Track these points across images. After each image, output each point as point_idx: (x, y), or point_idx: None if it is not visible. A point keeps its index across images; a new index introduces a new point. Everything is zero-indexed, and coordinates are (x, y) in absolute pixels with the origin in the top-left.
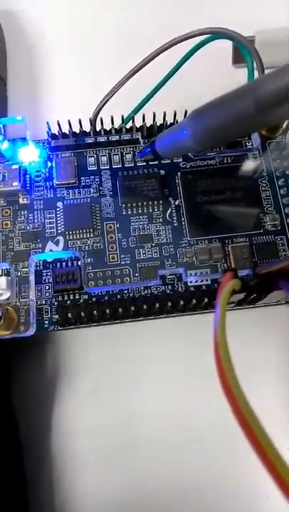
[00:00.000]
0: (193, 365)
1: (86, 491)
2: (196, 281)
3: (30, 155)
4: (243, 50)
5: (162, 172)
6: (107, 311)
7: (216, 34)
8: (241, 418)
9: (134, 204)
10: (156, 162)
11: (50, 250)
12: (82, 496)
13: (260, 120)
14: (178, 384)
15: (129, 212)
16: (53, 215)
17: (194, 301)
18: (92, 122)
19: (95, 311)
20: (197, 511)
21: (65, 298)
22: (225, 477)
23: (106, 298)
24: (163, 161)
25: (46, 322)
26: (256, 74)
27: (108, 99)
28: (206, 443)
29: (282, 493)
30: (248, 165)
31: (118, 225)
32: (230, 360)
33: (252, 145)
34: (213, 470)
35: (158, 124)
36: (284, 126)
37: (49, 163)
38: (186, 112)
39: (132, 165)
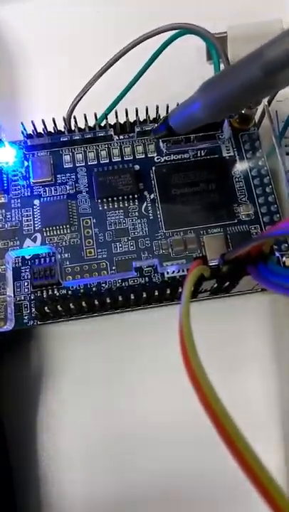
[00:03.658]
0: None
1: (72, 488)
2: (173, 272)
3: (6, 155)
4: (209, 46)
5: (137, 167)
6: (84, 303)
7: (183, 30)
8: (203, 397)
9: (110, 199)
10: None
11: (28, 247)
12: (68, 493)
13: (269, 84)
14: (165, 380)
15: (105, 208)
16: (30, 212)
17: (169, 290)
18: (66, 121)
19: (71, 304)
20: (189, 504)
21: (44, 293)
22: (215, 470)
23: (82, 291)
24: (137, 156)
25: (26, 317)
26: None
27: (80, 98)
28: (195, 436)
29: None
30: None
31: (94, 220)
32: (193, 340)
33: (224, 137)
34: (204, 463)
35: (131, 121)
36: (256, 118)
37: (25, 163)
38: (157, 108)
39: (108, 161)
